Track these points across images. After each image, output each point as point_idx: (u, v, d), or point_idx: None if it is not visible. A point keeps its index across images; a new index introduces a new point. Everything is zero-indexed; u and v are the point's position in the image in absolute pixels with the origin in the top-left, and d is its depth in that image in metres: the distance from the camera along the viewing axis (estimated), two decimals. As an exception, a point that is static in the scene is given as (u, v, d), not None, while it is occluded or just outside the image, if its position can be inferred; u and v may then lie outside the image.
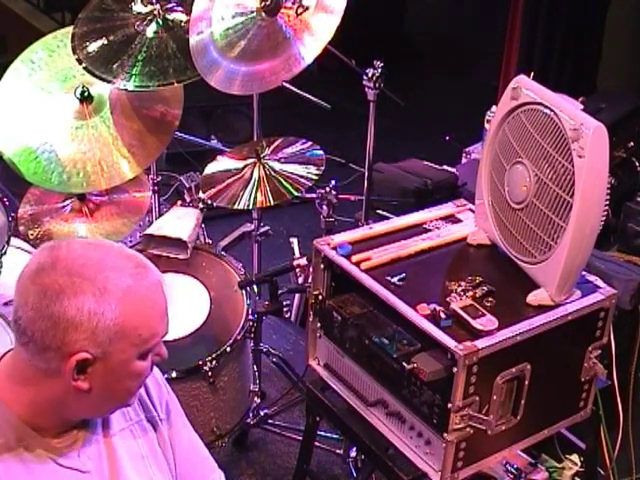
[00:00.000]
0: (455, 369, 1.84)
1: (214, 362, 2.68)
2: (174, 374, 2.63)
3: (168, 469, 1.68)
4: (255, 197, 2.85)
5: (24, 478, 1.47)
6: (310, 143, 3.06)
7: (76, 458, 1.53)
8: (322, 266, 2.19)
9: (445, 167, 3.92)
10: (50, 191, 3.03)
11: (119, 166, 2.93)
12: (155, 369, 1.71)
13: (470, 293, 2.01)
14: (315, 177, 2.90)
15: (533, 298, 2.02)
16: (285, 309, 3.63)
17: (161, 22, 2.98)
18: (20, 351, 1.45)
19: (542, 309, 2.00)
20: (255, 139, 3.29)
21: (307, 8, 2.74)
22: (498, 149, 2.15)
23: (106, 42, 2.94)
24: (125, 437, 1.62)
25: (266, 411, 3.13)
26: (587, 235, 1.96)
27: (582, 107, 2.05)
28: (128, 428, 1.63)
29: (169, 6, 3.01)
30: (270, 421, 3.16)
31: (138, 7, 3.01)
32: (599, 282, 2.13)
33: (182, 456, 1.73)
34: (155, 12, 2.98)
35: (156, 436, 1.67)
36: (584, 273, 2.11)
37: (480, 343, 1.86)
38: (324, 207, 3.17)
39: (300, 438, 2.69)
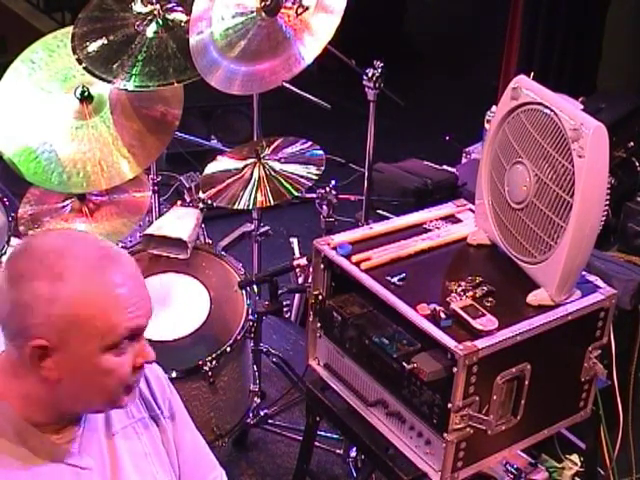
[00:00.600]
0: (455, 369, 1.84)
1: (214, 362, 2.68)
2: (174, 374, 2.63)
3: (171, 467, 1.68)
4: (255, 197, 2.85)
5: (22, 473, 1.47)
6: (310, 143, 3.06)
7: (76, 455, 1.53)
8: (322, 266, 2.19)
9: (445, 167, 3.92)
10: (50, 191, 3.03)
11: (119, 166, 2.93)
12: (158, 368, 1.71)
13: (470, 293, 2.02)
14: (315, 177, 2.90)
15: (533, 298, 2.02)
16: (285, 309, 3.63)
17: (161, 22, 2.97)
18: (5, 343, 1.46)
19: (542, 309, 2.00)
20: (255, 139, 3.29)
21: (307, 8, 2.74)
22: (498, 149, 2.15)
23: (106, 42, 2.94)
24: (128, 435, 1.62)
25: (266, 411, 3.13)
26: (587, 235, 1.96)
27: (582, 107, 2.05)
28: (131, 426, 1.63)
29: (169, 6, 3.01)
30: (270, 421, 3.16)
31: (138, 7, 3.00)
32: (599, 282, 2.13)
33: (185, 454, 1.73)
34: (155, 12, 2.98)
35: (160, 434, 1.67)
36: (584, 273, 2.11)
37: (480, 343, 1.86)
38: (324, 207, 3.17)
39: (300, 438, 2.69)
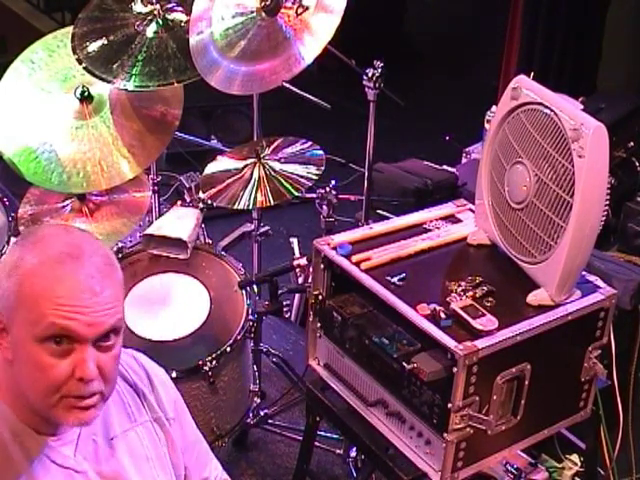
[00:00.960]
0: (455, 369, 1.84)
1: (214, 362, 2.68)
2: (174, 374, 2.62)
3: (173, 470, 1.68)
4: (255, 197, 2.85)
5: (17, 474, 1.47)
6: (310, 143, 3.06)
7: (71, 457, 1.53)
8: (322, 266, 2.19)
9: (445, 167, 3.92)
10: (50, 191, 3.03)
11: (119, 166, 2.93)
12: (161, 371, 1.72)
13: (470, 293, 2.01)
14: (315, 177, 2.90)
15: (533, 298, 2.02)
16: (285, 309, 3.63)
17: (161, 22, 2.97)
18: None
19: (542, 309, 2.00)
20: (255, 139, 3.29)
21: (307, 8, 2.73)
22: (498, 149, 2.15)
23: (106, 42, 2.94)
24: (129, 438, 1.61)
25: (266, 411, 3.13)
26: (587, 235, 1.96)
27: (582, 107, 2.05)
28: (132, 429, 1.62)
29: (169, 6, 3.01)
30: (270, 421, 3.16)
31: (138, 7, 3.00)
32: (599, 282, 2.13)
33: (188, 451, 1.73)
34: (155, 12, 2.98)
35: (164, 436, 1.67)
36: (584, 273, 2.11)
37: (480, 343, 1.86)
38: (324, 207, 3.17)
39: (300, 438, 2.69)
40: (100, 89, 2.99)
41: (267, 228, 3.38)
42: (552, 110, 1.97)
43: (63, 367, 1.43)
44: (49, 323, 1.42)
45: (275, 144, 3.06)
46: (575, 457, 2.61)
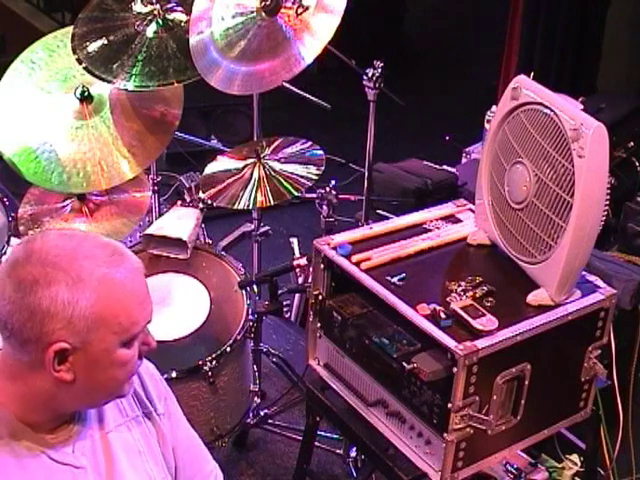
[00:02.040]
0: (455, 369, 1.84)
1: (214, 362, 2.68)
2: (174, 374, 2.63)
3: (165, 464, 1.69)
4: (255, 197, 2.85)
5: (17, 473, 1.47)
6: (310, 143, 3.06)
7: (70, 454, 1.53)
8: (322, 266, 2.19)
9: (445, 167, 3.92)
10: (50, 191, 3.03)
11: (119, 166, 2.93)
12: (151, 366, 1.71)
13: (470, 293, 2.02)
14: (315, 177, 2.90)
15: (533, 298, 2.02)
16: (285, 309, 3.63)
17: (161, 22, 2.97)
18: (5, 346, 1.46)
19: (542, 309, 2.00)
20: (255, 139, 3.29)
21: (307, 8, 2.73)
22: (498, 149, 2.15)
23: (106, 42, 2.94)
24: (121, 433, 1.62)
25: (266, 411, 3.13)
26: (587, 235, 1.96)
27: (582, 107, 2.05)
28: (124, 424, 1.63)
29: (169, 6, 3.01)
30: (270, 421, 3.16)
31: (138, 7, 3.00)
32: (599, 282, 2.13)
33: (181, 450, 1.74)
34: (155, 12, 2.98)
35: (155, 431, 1.68)
36: (584, 273, 2.11)
37: (480, 343, 1.86)
38: (324, 207, 3.17)
39: (300, 438, 2.69)
40: (100, 89, 2.99)
41: (267, 228, 3.38)
42: (552, 110, 1.97)
43: (136, 351, 1.51)
44: (142, 324, 1.48)
45: (275, 144, 3.06)
46: (575, 457, 2.61)
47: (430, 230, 2.29)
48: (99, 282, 1.42)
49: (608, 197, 1.98)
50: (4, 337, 1.44)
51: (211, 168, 3.04)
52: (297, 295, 3.70)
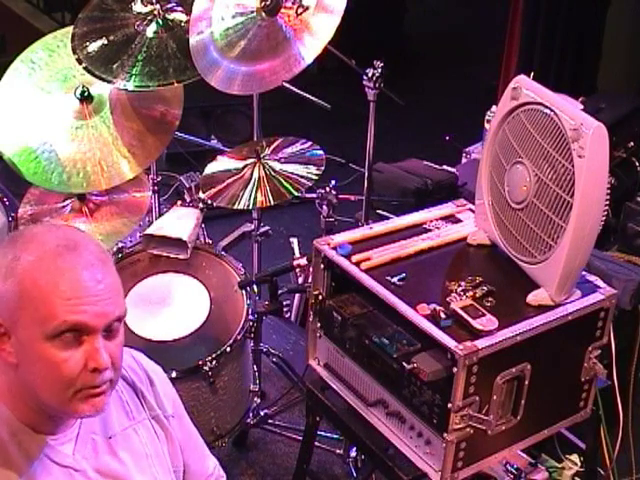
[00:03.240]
0: (455, 369, 1.84)
1: (214, 362, 2.68)
2: (174, 374, 2.63)
3: (171, 467, 1.68)
4: (255, 197, 2.85)
5: (17, 473, 1.47)
6: (310, 143, 3.06)
7: (70, 456, 1.53)
8: (322, 266, 2.19)
9: (445, 167, 3.92)
10: (50, 191, 3.03)
11: (119, 166, 2.93)
12: (158, 367, 1.71)
13: (470, 293, 2.01)
14: (315, 177, 2.90)
15: (533, 298, 2.02)
16: (285, 309, 3.63)
17: (161, 22, 2.97)
18: None
19: (542, 309, 2.00)
20: (255, 139, 3.29)
21: (307, 8, 2.73)
22: (498, 149, 2.15)
23: (106, 42, 2.94)
24: (128, 436, 1.62)
25: (266, 411, 3.13)
26: (587, 235, 1.96)
27: (582, 107, 2.05)
28: (131, 428, 1.63)
29: (169, 6, 3.01)
30: (270, 421, 3.16)
31: (138, 7, 3.00)
32: (599, 282, 2.13)
33: (188, 447, 1.74)
34: (155, 12, 2.98)
35: (163, 434, 1.67)
36: (584, 273, 2.11)
37: (480, 343, 1.86)
38: (324, 207, 3.17)
39: (300, 438, 2.69)
40: (100, 89, 2.99)
41: (267, 228, 3.38)
42: (552, 110, 1.97)
43: (76, 360, 1.43)
44: (60, 320, 1.41)
45: (275, 144, 3.06)
46: (575, 457, 2.61)
47: (430, 230, 2.29)
48: (30, 264, 1.42)
49: (608, 197, 1.98)
50: None
51: (211, 168, 3.04)
52: (297, 295, 3.70)
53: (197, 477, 1.78)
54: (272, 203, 2.85)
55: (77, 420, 1.55)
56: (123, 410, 1.62)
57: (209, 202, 2.96)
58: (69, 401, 1.45)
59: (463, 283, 2.05)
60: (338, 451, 3.03)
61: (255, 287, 3.00)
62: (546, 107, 1.99)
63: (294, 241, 3.78)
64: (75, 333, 1.42)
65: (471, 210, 2.36)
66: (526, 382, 1.97)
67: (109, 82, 2.88)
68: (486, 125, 3.82)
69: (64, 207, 3.11)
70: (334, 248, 2.16)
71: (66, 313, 1.41)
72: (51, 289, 1.41)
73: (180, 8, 3.01)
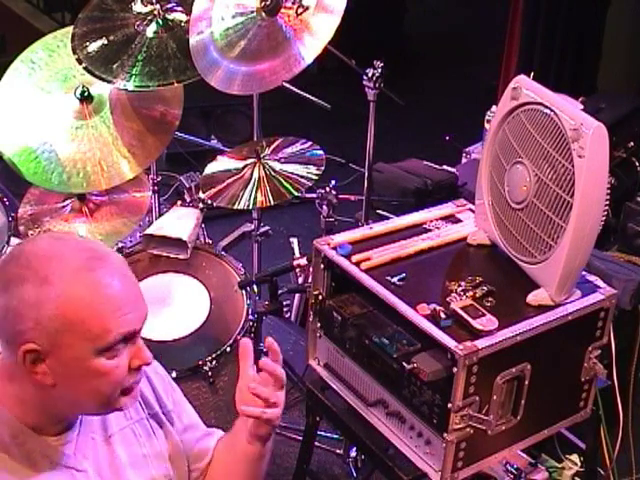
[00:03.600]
0: (455, 369, 1.84)
1: (214, 362, 2.68)
2: (174, 374, 2.62)
3: (170, 465, 1.68)
4: (255, 197, 2.85)
5: (18, 475, 1.47)
6: (310, 143, 3.06)
7: (72, 457, 1.53)
8: (322, 266, 2.19)
9: (445, 167, 3.91)
10: (50, 191, 3.03)
11: (119, 166, 2.93)
12: (157, 364, 1.71)
13: (470, 293, 2.01)
14: (315, 177, 2.90)
15: (533, 298, 2.02)
16: (285, 309, 3.63)
17: (161, 22, 2.98)
18: (2, 347, 1.46)
19: (542, 309, 2.00)
20: (255, 139, 3.29)
21: (307, 8, 2.74)
22: (498, 149, 2.15)
23: (106, 42, 2.94)
24: (125, 436, 1.62)
25: (266, 411, 3.12)
26: (587, 235, 1.96)
27: (582, 107, 2.04)
28: (129, 427, 1.63)
29: (169, 6, 3.01)
30: (270, 421, 3.16)
31: (138, 7, 3.01)
32: (599, 282, 2.12)
33: (190, 431, 1.76)
34: (155, 12, 2.98)
35: (161, 431, 1.68)
36: (584, 273, 2.11)
37: (480, 343, 1.86)
38: (324, 207, 3.17)
39: (300, 438, 2.69)
40: (100, 89, 2.99)
41: (267, 228, 3.38)
42: (552, 110, 1.97)
43: (123, 364, 1.46)
44: (115, 334, 1.42)
45: (275, 144, 3.06)
46: (575, 457, 2.61)
47: (430, 230, 2.29)
48: (67, 284, 1.39)
49: (608, 197, 1.98)
50: None
51: (211, 168, 3.04)
52: (297, 295, 3.70)
53: (202, 455, 1.78)
54: (272, 203, 2.85)
55: (77, 420, 1.55)
56: None
57: (209, 202, 2.96)
58: (115, 400, 1.49)
59: (463, 283, 2.05)
60: (338, 451, 3.03)
61: (255, 287, 3.00)
62: (546, 107, 1.99)
63: (294, 241, 3.77)
64: (124, 341, 1.44)
65: (471, 210, 2.36)
66: (526, 382, 1.97)
67: (109, 82, 2.88)
68: (486, 125, 3.82)
69: (64, 207, 3.12)
70: (334, 248, 2.16)
71: (118, 326, 1.42)
72: (97, 306, 1.40)
73: (180, 8, 3.01)
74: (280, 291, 2.86)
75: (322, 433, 2.91)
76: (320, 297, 2.20)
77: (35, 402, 1.47)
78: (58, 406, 1.49)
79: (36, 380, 1.43)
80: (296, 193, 2.87)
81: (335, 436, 3.02)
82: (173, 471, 1.69)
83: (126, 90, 2.91)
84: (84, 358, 1.42)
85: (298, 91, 3.31)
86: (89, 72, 2.90)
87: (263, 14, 2.80)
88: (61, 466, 1.51)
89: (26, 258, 1.41)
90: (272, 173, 2.92)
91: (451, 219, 2.35)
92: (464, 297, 2.00)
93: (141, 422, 1.65)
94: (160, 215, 3.27)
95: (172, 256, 2.86)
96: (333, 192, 3.15)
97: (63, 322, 1.39)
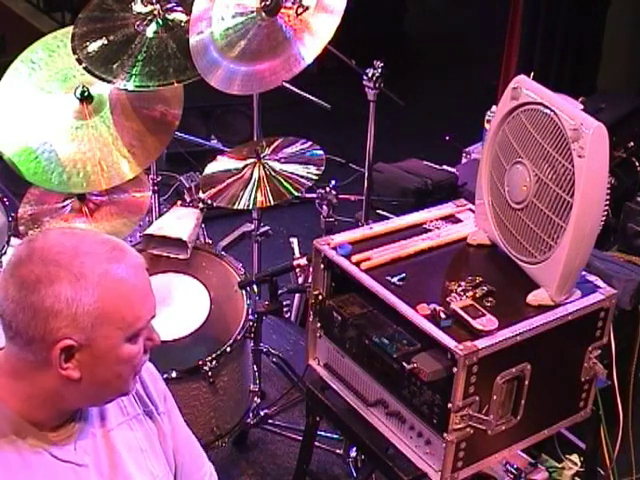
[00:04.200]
0: (455, 369, 1.84)
1: (214, 362, 2.68)
2: (174, 374, 2.63)
3: (166, 462, 1.69)
4: (255, 197, 2.85)
5: (20, 470, 1.47)
6: (310, 143, 3.06)
7: (72, 451, 1.53)
8: (322, 266, 2.19)
9: (445, 167, 3.92)
10: (50, 191, 3.03)
11: (119, 166, 2.93)
12: (149, 364, 1.71)
13: (470, 293, 2.01)
14: (315, 177, 2.90)
15: (533, 298, 2.02)
16: (285, 309, 3.63)
17: (161, 22, 2.98)
18: (9, 345, 1.46)
19: (542, 309, 2.00)
20: (255, 139, 3.29)
21: (307, 8, 2.73)
22: (498, 149, 2.15)
23: (106, 42, 2.94)
24: (123, 431, 1.62)
25: (266, 411, 3.13)
26: (587, 235, 1.96)
27: (582, 107, 2.05)
28: (126, 422, 1.63)
29: (169, 6, 3.01)
30: (270, 421, 3.16)
31: (138, 7, 3.01)
32: (599, 282, 2.13)
33: (181, 448, 1.75)
34: (155, 12, 2.98)
35: (155, 430, 1.68)
36: (584, 273, 2.11)
37: (480, 343, 1.86)
38: (324, 207, 3.17)
39: (300, 438, 2.69)
40: (100, 89, 2.99)
41: (267, 228, 3.38)
42: (552, 110, 1.97)
43: (140, 347, 1.51)
44: (144, 321, 1.49)
45: (275, 144, 3.06)
46: (575, 457, 2.61)
47: (430, 230, 2.29)
48: (101, 278, 1.42)
49: (608, 197, 1.98)
50: (9, 337, 1.44)
51: (211, 168, 3.04)
52: (297, 295, 3.70)
53: (190, 476, 1.78)
54: (272, 203, 2.85)
55: (77, 416, 1.55)
56: (117, 405, 1.63)
57: (209, 202, 2.96)
58: (129, 384, 1.54)
59: (463, 283, 2.05)
60: (338, 451, 3.03)
61: (255, 287, 3.00)
62: (546, 107, 1.99)
63: (294, 241, 3.78)
64: (147, 326, 1.51)
65: (471, 210, 2.36)
66: (526, 382, 1.97)
67: (109, 82, 2.88)
68: (486, 125, 3.82)
69: (64, 207, 3.12)
70: (334, 248, 2.16)
71: (147, 312, 1.50)
72: (129, 295, 1.45)
73: (180, 8, 3.01)
74: (280, 291, 2.86)
75: (322, 433, 2.91)
76: (320, 297, 2.20)
77: (45, 398, 1.48)
78: (71, 400, 1.50)
79: (62, 375, 1.44)
80: (296, 193, 2.87)
81: (335, 436, 3.02)
82: (169, 467, 1.69)
83: (126, 90, 2.91)
84: (116, 346, 1.46)
85: (298, 91, 3.31)
86: (89, 72, 2.90)
87: (263, 14, 2.80)
88: (62, 461, 1.52)
89: (48, 256, 1.42)
90: (272, 173, 2.92)
91: (451, 219, 2.35)
92: (464, 297, 2.00)
93: (137, 418, 1.66)
94: (160, 215, 3.27)
95: (172, 256, 2.86)
96: (333, 192, 3.15)
97: (100, 314, 1.42)
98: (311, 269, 2.23)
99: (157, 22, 2.97)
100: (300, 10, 2.74)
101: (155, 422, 1.68)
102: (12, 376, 1.48)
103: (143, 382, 1.68)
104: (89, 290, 1.41)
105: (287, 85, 3.03)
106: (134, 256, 1.49)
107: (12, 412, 1.48)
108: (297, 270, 3.13)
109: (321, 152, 3.01)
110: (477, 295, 2.01)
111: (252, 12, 2.82)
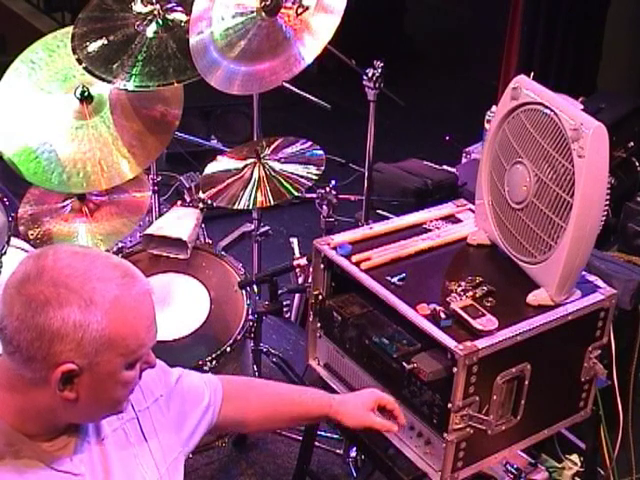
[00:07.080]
0: (455, 369, 1.84)
1: (214, 362, 2.68)
2: (174, 374, 2.62)
3: (163, 458, 1.67)
4: (255, 197, 2.85)
5: None
6: (310, 143, 3.06)
7: (69, 462, 1.52)
8: (322, 266, 2.19)
9: (445, 167, 3.92)
10: (50, 191, 3.03)
11: (119, 166, 2.93)
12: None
13: (470, 293, 2.01)
14: (315, 177, 2.90)
15: (533, 298, 2.02)
16: (285, 309, 3.63)
17: (161, 22, 2.98)
18: (7, 359, 1.43)
19: (542, 309, 2.00)
20: (255, 139, 3.29)
21: (307, 8, 2.74)
22: (498, 149, 2.15)
23: (106, 42, 2.94)
24: (117, 437, 1.61)
25: (266, 411, 3.12)
26: (587, 235, 1.96)
27: (582, 107, 2.05)
28: (120, 427, 1.62)
29: (169, 6, 3.01)
30: (270, 421, 3.16)
31: (138, 7, 3.01)
32: (599, 282, 2.13)
33: (189, 400, 1.77)
34: (155, 12, 2.99)
35: (151, 422, 1.67)
36: (584, 273, 2.11)
37: (480, 343, 1.86)
38: (324, 207, 3.17)
39: (300, 438, 2.69)
40: (100, 89, 3.00)
41: (267, 228, 3.38)
42: (552, 110, 1.97)
43: (137, 372, 1.51)
44: (146, 347, 1.48)
45: (275, 144, 3.06)
46: (575, 457, 2.61)
47: (430, 230, 2.29)
48: (111, 305, 1.41)
49: (608, 197, 1.98)
50: (8, 352, 1.42)
51: (211, 168, 3.04)
52: (297, 295, 3.70)
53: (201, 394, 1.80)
54: (272, 203, 2.85)
55: (72, 427, 1.54)
56: None
57: (209, 202, 2.97)
58: (123, 404, 1.54)
59: (463, 283, 2.05)
60: (338, 451, 3.03)
61: (255, 287, 3.00)
62: (546, 107, 1.99)
63: (294, 241, 3.78)
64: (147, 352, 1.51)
65: (471, 210, 2.36)
66: (526, 382, 1.97)
67: (109, 82, 2.88)
68: (486, 125, 3.82)
69: (64, 207, 3.12)
70: (334, 248, 2.16)
71: (149, 341, 1.49)
72: (135, 323, 1.45)
73: (180, 8, 3.02)
74: (280, 291, 2.86)
75: (322, 433, 2.91)
76: (320, 297, 2.20)
77: (38, 413, 1.47)
78: (64, 417, 1.49)
79: (59, 396, 1.43)
80: (296, 193, 2.87)
81: (335, 436, 3.03)
82: (162, 472, 1.68)
83: (126, 90, 2.91)
84: (116, 372, 1.45)
85: (298, 91, 3.32)
86: (89, 72, 2.90)
87: (263, 14, 2.80)
88: (58, 472, 1.50)
89: (58, 278, 1.39)
90: (272, 173, 2.92)
91: (451, 219, 2.35)
92: (464, 297, 2.00)
93: (132, 421, 1.64)
94: (160, 215, 3.27)
95: (172, 256, 2.86)
96: (333, 192, 3.15)
97: (106, 341, 1.41)
98: (311, 269, 2.23)
99: (157, 22, 2.98)
100: (300, 10, 2.74)
101: (151, 415, 1.67)
102: (6, 388, 1.46)
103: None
104: (98, 316, 1.39)
105: (287, 85, 3.03)
106: (144, 283, 1.48)
107: (5, 424, 1.47)
108: (297, 270, 3.13)
109: (321, 152, 3.01)
110: (477, 295, 2.01)
111: (252, 12, 2.82)
